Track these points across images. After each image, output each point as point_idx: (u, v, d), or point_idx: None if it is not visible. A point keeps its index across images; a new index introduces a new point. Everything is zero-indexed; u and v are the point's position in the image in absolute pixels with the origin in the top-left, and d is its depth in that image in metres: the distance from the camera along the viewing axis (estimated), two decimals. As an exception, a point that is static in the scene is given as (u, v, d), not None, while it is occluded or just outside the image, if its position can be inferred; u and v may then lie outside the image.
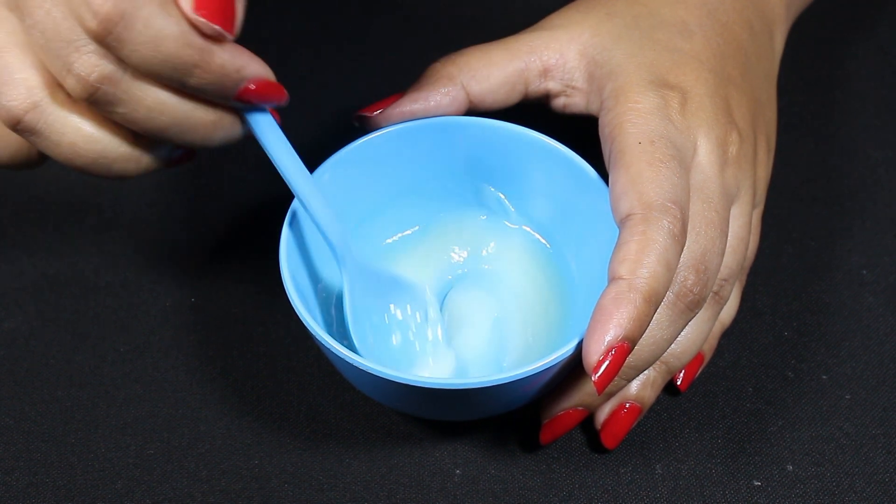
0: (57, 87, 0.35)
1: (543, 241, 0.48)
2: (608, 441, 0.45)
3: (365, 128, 0.46)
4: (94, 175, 0.37)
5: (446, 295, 0.47)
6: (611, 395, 0.44)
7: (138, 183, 0.55)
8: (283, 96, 0.37)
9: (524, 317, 0.47)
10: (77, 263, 0.52)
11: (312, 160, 0.45)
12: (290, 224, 0.43)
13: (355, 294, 0.43)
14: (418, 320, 0.46)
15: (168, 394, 0.48)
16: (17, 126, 0.35)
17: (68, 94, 0.35)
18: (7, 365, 0.48)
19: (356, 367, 0.39)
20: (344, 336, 0.46)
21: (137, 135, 0.36)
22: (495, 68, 0.45)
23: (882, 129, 0.57)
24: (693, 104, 0.43)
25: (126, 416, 0.47)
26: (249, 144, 0.56)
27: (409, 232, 0.49)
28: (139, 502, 0.45)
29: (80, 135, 0.35)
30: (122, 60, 0.33)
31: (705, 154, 0.42)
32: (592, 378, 0.38)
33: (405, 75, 0.47)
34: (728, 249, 0.43)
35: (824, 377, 0.48)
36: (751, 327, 0.50)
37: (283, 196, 0.45)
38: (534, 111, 0.47)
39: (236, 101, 0.36)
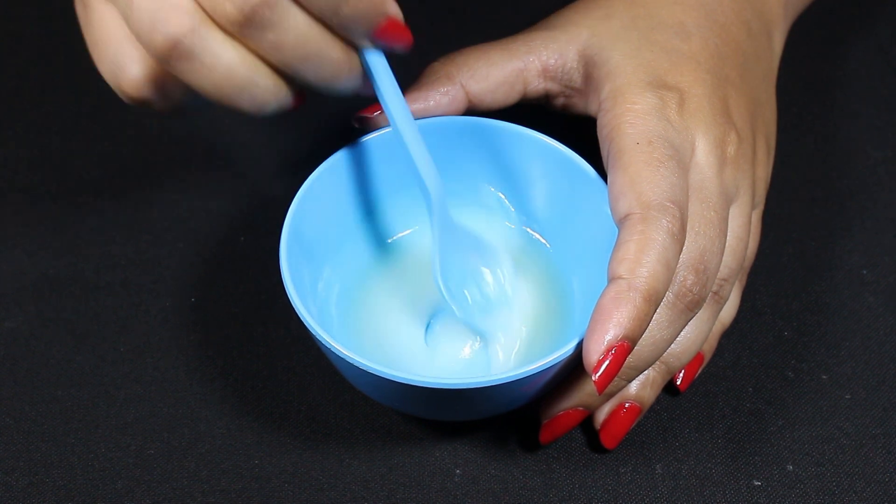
0: (206, 15, 0.35)
1: (543, 241, 0.48)
2: (607, 441, 0.45)
3: (365, 128, 0.46)
4: (234, 105, 0.37)
5: (446, 294, 0.47)
6: (610, 395, 0.44)
7: (138, 183, 0.55)
8: (410, 40, 0.38)
9: (523, 317, 0.47)
10: (77, 263, 0.52)
11: (313, 160, 0.45)
12: (291, 224, 0.43)
13: (445, 247, 0.44)
14: (491, 278, 0.46)
15: (168, 394, 0.48)
16: (173, 52, 0.35)
17: (218, 22, 0.35)
18: (7, 365, 0.48)
19: (356, 367, 0.39)
20: (344, 336, 0.46)
21: (275, 70, 0.37)
22: (494, 68, 0.45)
23: (882, 129, 0.57)
24: (691, 104, 0.43)
25: (126, 416, 0.47)
26: (251, 142, 0.56)
27: (408, 232, 0.49)
28: (139, 502, 0.45)
29: (232, 58, 0.36)
30: None
31: (703, 154, 0.42)
32: (593, 378, 0.38)
33: (405, 75, 0.47)
34: (727, 249, 0.43)
35: (824, 377, 0.48)
36: (751, 327, 0.50)
37: (283, 196, 0.45)
38: (534, 111, 0.47)
39: (372, 38, 0.37)
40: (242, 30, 0.35)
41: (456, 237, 0.44)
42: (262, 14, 0.35)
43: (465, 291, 0.45)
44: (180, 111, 0.39)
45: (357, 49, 0.38)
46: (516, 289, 0.47)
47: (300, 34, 0.36)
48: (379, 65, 0.39)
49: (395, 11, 0.37)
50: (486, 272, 0.46)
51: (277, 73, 0.37)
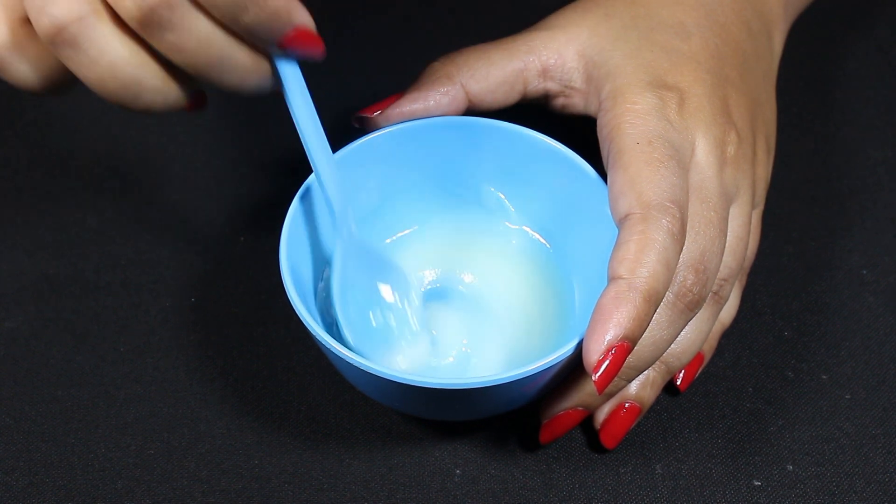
0: (103, 6, 0.34)
1: (543, 241, 0.48)
2: (607, 441, 0.45)
3: (365, 128, 0.46)
4: (118, 102, 0.36)
5: (444, 296, 0.47)
6: (610, 395, 0.44)
7: (138, 182, 0.55)
8: (321, 49, 0.37)
9: (524, 317, 0.47)
10: (77, 263, 0.52)
11: (312, 160, 0.45)
12: (291, 224, 0.43)
13: (347, 265, 0.43)
14: (400, 305, 0.45)
15: (168, 394, 0.48)
16: (57, 37, 0.34)
17: (114, 15, 0.34)
18: (7, 365, 0.48)
19: (356, 367, 0.39)
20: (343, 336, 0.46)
21: (171, 70, 0.36)
22: (494, 68, 0.45)
23: (882, 129, 0.57)
24: (691, 104, 0.43)
25: (126, 416, 0.47)
26: (251, 142, 0.56)
27: (408, 232, 0.49)
28: (139, 502, 0.45)
29: (120, 54, 0.35)
30: None
31: (703, 154, 0.42)
32: (593, 378, 0.38)
33: (405, 75, 0.47)
34: (727, 249, 0.43)
35: (824, 377, 0.48)
36: (751, 327, 0.50)
37: (283, 196, 0.45)
38: (534, 111, 0.47)
39: (279, 46, 0.36)
40: (142, 28, 0.34)
41: (364, 258, 0.44)
42: (161, 14, 0.34)
43: (370, 314, 0.45)
44: (57, 90, 0.38)
45: (267, 55, 0.37)
46: (515, 289, 0.47)
47: (202, 38, 0.35)
48: (289, 73, 0.38)
49: (304, 20, 0.36)
50: (395, 299, 0.45)
51: (171, 75, 0.36)
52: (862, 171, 0.56)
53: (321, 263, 0.46)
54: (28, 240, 0.52)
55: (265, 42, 0.36)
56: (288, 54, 0.37)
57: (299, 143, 0.41)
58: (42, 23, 0.34)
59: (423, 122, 0.45)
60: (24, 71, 0.37)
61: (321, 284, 0.46)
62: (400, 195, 0.48)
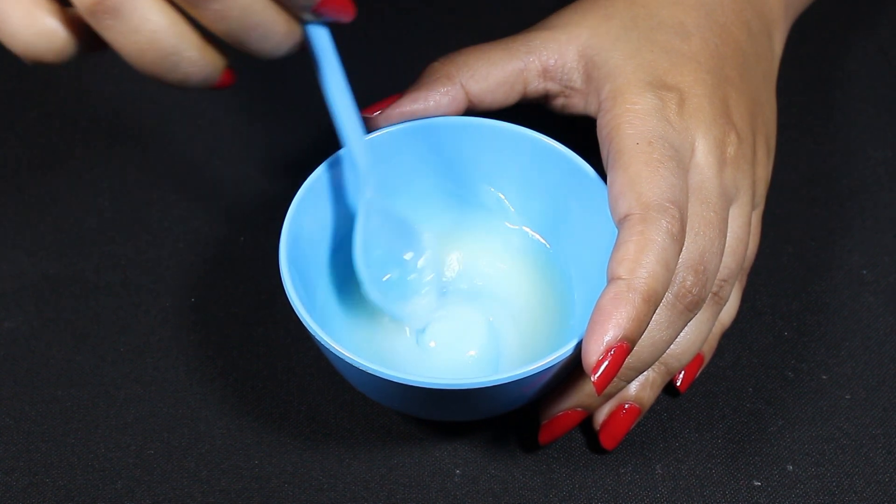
0: None
1: (543, 241, 0.48)
2: (607, 442, 0.45)
3: (365, 128, 0.46)
4: (155, 73, 0.36)
5: (444, 296, 0.47)
6: (610, 396, 0.44)
7: (137, 183, 0.55)
8: (351, 12, 0.38)
9: (523, 317, 0.47)
10: (77, 263, 0.52)
11: (313, 160, 0.45)
12: (291, 224, 0.43)
13: (369, 225, 0.44)
14: (418, 265, 0.46)
15: (168, 394, 0.48)
16: (99, 6, 0.34)
17: None
18: (7, 365, 0.48)
19: (356, 367, 0.39)
20: (344, 336, 0.46)
21: (208, 40, 0.36)
22: (494, 68, 0.45)
23: (882, 129, 0.57)
24: (691, 105, 0.43)
25: (126, 416, 0.47)
26: (251, 142, 0.56)
27: (408, 232, 0.49)
28: (139, 502, 0.45)
29: (161, 24, 0.35)
30: None
31: (703, 155, 0.42)
32: (592, 378, 0.38)
33: (405, 75, 0.47)
34: (727, 250, 0.43)
35: (824, 377, 0.48)
36: (751, 327, 0.50)
37: (283, 196, 0.45)
38: (534, 111, 0.47)
39: (315, 8, 0.37)
40: None
41: (383, 218, 0.44)
42: None
43: (387, 275, 0.45)
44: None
45: (300, 20, 0.38)
46: (515, 289, 0.47)
47: (245, 5, 0.35)
48: (321, 38, 0.39)
49: None
50: (410, 258, 0.46)
51: (207, 47, 0.36)
52: (862, 171, 0.56)
53: (322, 263, 0.46)
54: (28, 240, 0.52)
55: (300, 6, 0.36)
56: (321, 18, 0.38)
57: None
58: None
59: (423, 122, 0.45)
60: (16, 26, 0.36)
61: (321, 284, 0.46)
62: (400, 195, 0.48)
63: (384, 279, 0.45)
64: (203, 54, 0.36)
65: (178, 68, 0.36)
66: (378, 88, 0.48)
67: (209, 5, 0.34)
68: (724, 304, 0.44)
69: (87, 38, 0.36)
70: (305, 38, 0.38)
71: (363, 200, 0.43)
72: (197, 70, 0.36)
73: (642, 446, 0.46)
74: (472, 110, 0.46)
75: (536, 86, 0.46)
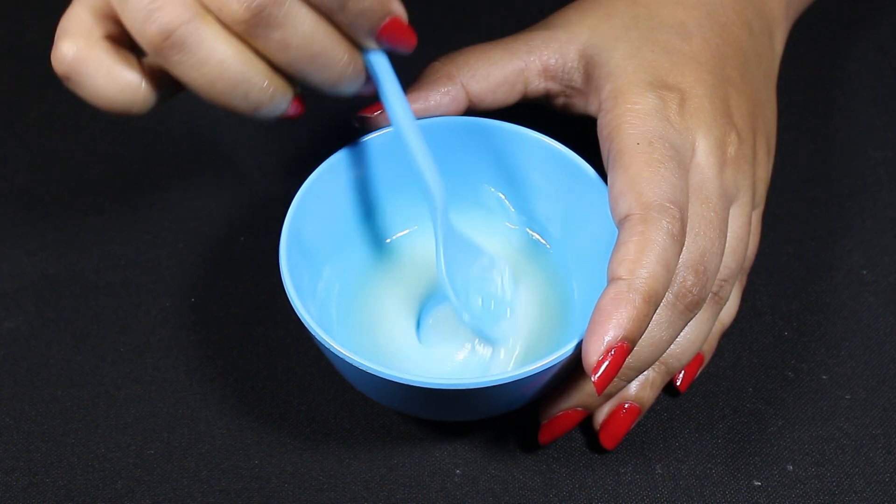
0: (205, 9, 0.35)
1: (543, 241, 0.48)
2: (607, 441, 0.45)
3: (365, 128, 0.46)
4: (227, 103, 0.37)
5: (445, 297, 0.47)
6: (610, 395, 0.44)
7: (138, 183, 0.55)
8: (414, 41, 0.39)
9: (523, 317, 0.47)
10: (77, 263, 0.52)
11: (313, 160, 0.45)
12: (291, 224, 0.43)
13: (449, 253, 0.44)
14: (495, 285, 0.46)
15: (168, 394, 0.48)
16: (165, 42, 0.35)
17: (224, 21, 0.35)
18: (7, 365, 0.48)
19: (356, 367, 0.39)
20: (344, 337, 0.46)
21: (273, 71, 0.37)
22: (495, 68, 0.45)
23: (882, 129, 0.57)
24: (691, 105, 0.43)
25: (126, 416, 0.47)
26: (251, 142, 0.56)
27: (407, 231, 0.49)
28: (139, 502, 0.45)
29: (227, 54, 0.35)
30: None
31: (704, 155, 0.42)
32: (592, 378, 0.38)
33: (405, 75, 0.47)
34: (727, 250, 0.43)
35: (824, 377, 0.48)
36: (751, 327, 0.50)
37: (283, 196, 0.45)
38: (534, 111, 0.47)
39: (376, 37, 0.37)
40: (250, 29, 0.35)
41: (457, 243, 0.44)
42: (270, 12, 0.35)
43: (474, 298, 0.45)
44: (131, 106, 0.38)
45: (361, 50, 0.38)
46: (516, 290, 0.47)
47: (307, 33, 0.36)
48: (382, 66, 0.39)
49: (400, 11, 0.38)
50: (489, 279, 0.46)
51: (275, 75, 0.37)
52: (862, 171, 0.56)
53: (321, 263, 0.46)
54: (28, 240, 0.52)
55: (364, 32, 0.37)
56: (382, 45, 0.38)
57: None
58: (149, 31, 0.35)
59: (424, 122, 0.45)
60: (101, 84, 0.37)
61: (321, 284, 0.46)
62: (399, 195, 0.48)
63: (478, 304, 0.45)
64: (272, 82, 0.37)
65: (249, 97, 0.37)
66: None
67: (270, 34, 0.35)
68: (724, 304, 0.44)
69: (165, 83, 0.38)
70: (367, 69, 0.39)
71: (440, 230, 0.43)
72: (267, 98, 0.37)
73: (642, 446, 0.46)
74: (472, 110, 0.46)
75: (537, 85, 0.46)
